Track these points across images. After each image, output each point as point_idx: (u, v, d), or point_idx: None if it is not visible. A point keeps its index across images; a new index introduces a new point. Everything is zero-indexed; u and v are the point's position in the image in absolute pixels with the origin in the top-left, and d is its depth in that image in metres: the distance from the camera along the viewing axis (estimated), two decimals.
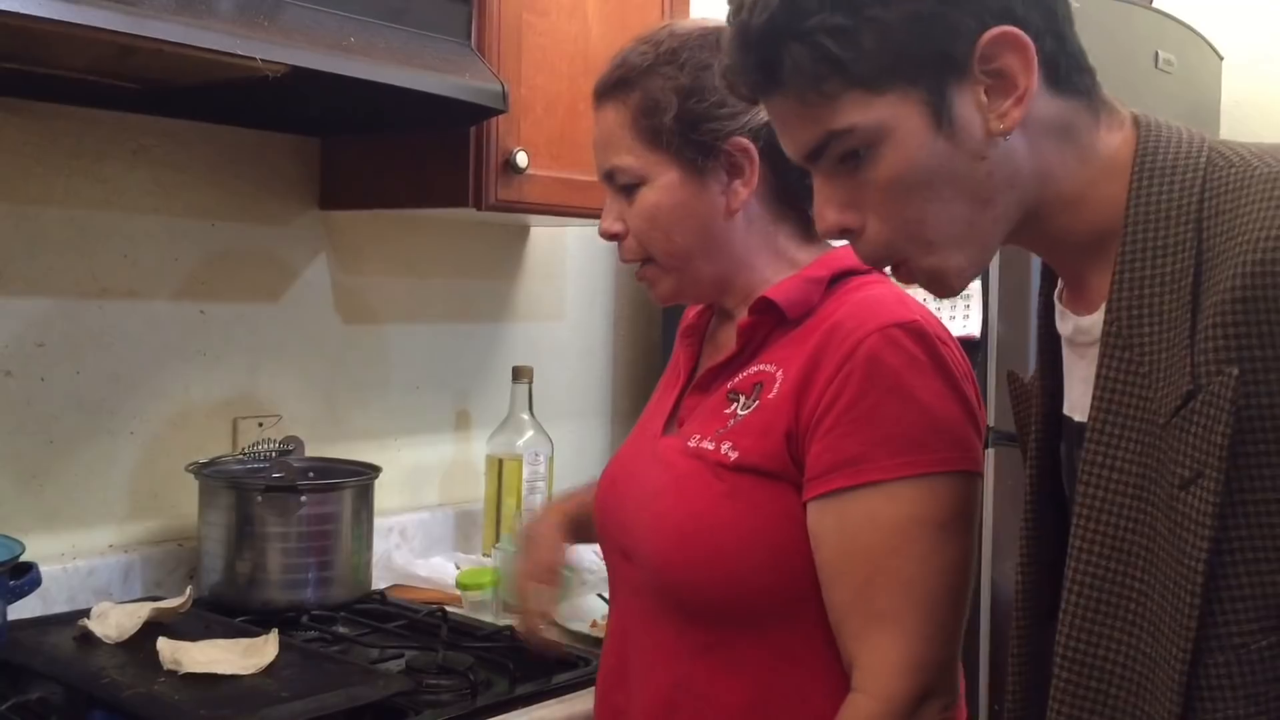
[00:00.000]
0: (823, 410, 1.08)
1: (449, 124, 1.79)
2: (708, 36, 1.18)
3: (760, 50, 0.86)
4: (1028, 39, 0.82)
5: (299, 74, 1.44)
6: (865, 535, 1.06)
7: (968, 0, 0.82)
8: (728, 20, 0.90)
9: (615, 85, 1.21)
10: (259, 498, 1.74)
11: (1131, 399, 0.83)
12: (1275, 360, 0.75)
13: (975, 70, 0.83)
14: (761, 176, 1.19)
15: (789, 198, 1.22)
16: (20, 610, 1.51)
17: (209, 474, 1.80)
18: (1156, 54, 2.10)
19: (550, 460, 2.20)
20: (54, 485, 1.75)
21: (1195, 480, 0.77)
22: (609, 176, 1.22)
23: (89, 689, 1.38)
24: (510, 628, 1.71)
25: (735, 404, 1.16)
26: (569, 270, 2.48)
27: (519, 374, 2.18)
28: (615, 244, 1.24)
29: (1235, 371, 0.76)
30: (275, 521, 1.74)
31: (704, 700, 1.14)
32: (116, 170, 1.80)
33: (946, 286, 0.91)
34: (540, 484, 2.18)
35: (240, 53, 1.37)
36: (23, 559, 1.44)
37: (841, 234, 0.90)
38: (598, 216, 1.26)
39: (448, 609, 1.78)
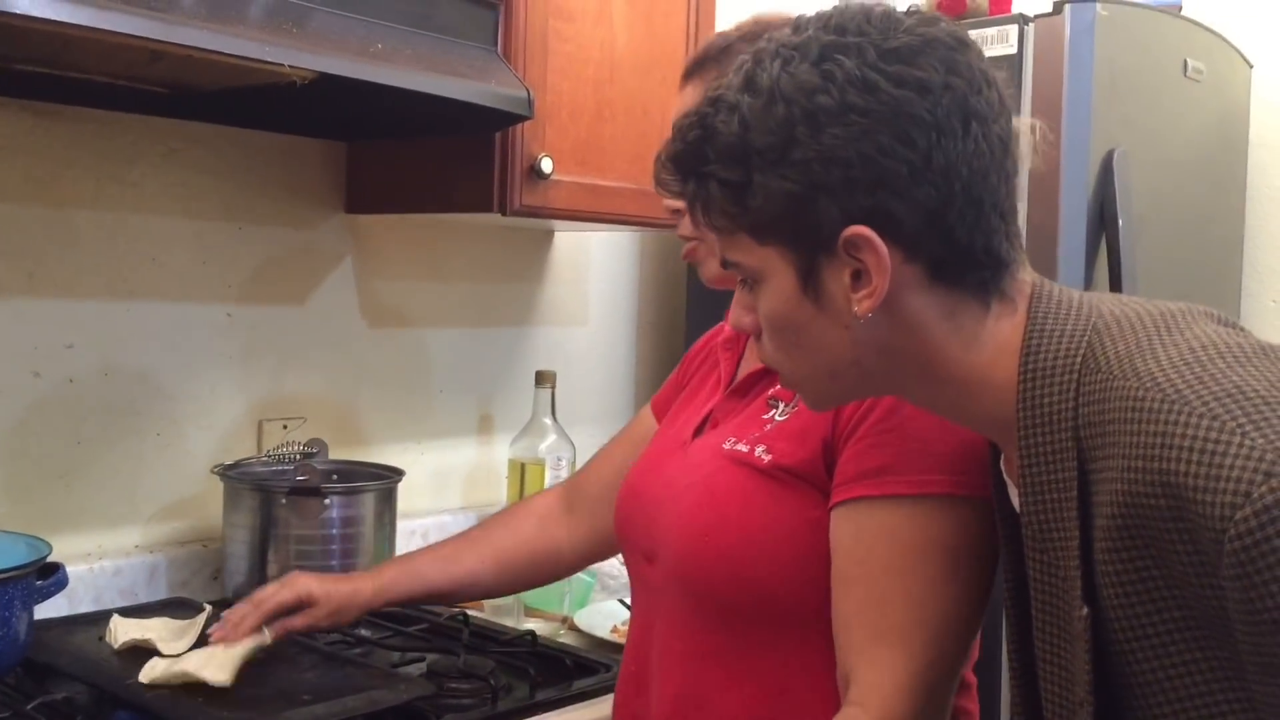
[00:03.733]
0: (858, 419, 1.08)
1: (475, 129, 1.80)
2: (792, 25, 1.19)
3: (676, 170, 0.93)
4: (879, 243, 0.84)
5: (326, 80, 1.45)
6: (881, 549, 1.04)
7: (837, 191, 0.84)
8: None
9: (697, 64, 1.23)
10: (283, 500, 1.75)
11: (1057, 602, 0.85)
12: (1159, 582, 0.75)
13: (842, 254, 0.85)
14: None
15: None
16: (46, 610, 1.52)
17: (234, 476, 1.81)
18: (1185, 62, 2.09)
19: (572, 464, 2.19)
20: (81, 486, 1.76)
21: (1080, 705, 0.81)
22: None
23: (114, 689, 1.39)
24: (531, 633, 1.72)
25: (774, 410, 1.16)
26: (592, 275, 2.48)
27: (542, 378, 2.18)
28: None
29: (1085, 611, 0.79)
30: (299, 524, 1.74)
31: (711, 710, 1.13)
32: (145, 173, 1.81)
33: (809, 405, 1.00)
34: None
35: (268, 59, 1.38)
36: (49, 559, 1.45)
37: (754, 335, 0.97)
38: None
39: (469, 613, 1.78)
